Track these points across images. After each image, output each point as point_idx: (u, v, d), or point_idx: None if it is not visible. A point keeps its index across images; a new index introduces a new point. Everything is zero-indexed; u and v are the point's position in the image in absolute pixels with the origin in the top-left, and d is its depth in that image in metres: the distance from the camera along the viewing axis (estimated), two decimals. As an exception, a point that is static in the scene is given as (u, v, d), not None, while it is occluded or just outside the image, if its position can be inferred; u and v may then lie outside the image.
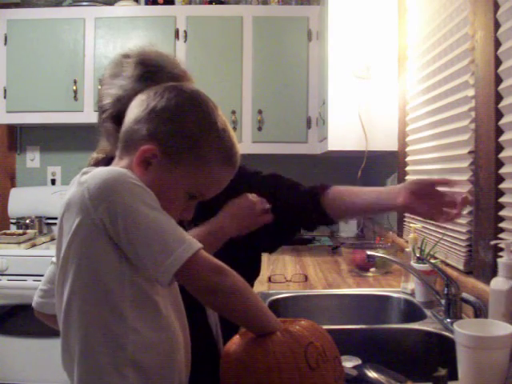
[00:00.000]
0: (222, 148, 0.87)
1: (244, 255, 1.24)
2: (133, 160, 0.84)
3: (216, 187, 0.90)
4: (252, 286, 1.33)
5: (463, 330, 0.94)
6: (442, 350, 1.33)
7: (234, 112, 3.03)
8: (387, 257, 1.68)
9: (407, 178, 2.21)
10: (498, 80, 1.28)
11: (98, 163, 1.09)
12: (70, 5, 3.21)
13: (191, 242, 0.76)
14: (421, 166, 2.02)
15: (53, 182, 3.47)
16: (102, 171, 0.80)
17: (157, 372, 0.80)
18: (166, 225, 0.77)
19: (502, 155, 1.28)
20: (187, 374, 0.89)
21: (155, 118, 0.85)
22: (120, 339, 0.77)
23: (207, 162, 0.86)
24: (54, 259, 0.90)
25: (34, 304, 0.97)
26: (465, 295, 1.35)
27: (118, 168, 0.83)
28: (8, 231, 3.06)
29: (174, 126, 0.85)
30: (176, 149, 0.84)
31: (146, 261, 0.75)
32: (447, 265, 1.61)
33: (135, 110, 0.87)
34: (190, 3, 3.22)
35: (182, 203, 0.87)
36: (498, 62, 1.28)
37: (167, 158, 0.84)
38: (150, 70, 1.06)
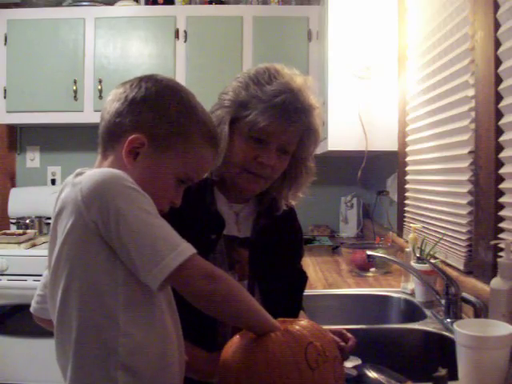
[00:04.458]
0: (205, 129, 0.88)
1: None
2: (119, 155, 0.84)
3: (203, 169, 0.91)
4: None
5: (463, 330, 0.94)
6: (442, 350, 1.33)
7: (234, 112, 3.03)
8: (387, 257, 1.68)
9: (407, 177, 2.21)
10: (498, 80, 1.28)
11: None
12: (69, 5, 3.21)
13: (184, 248, 0.75)
14: (421, 166, 2.02)
15: (53, 181, 3.47)
16: (96, 173, 0.78)
17: (148, 375, 0.79)
18: (159, 230, 0.76)
19: (501, 155, 1.28)
20: (181, 375, 0.88)
21: (137, 108, 0.84)
22: (111, 342, 0.76)
23: (194, 144, 0.86)
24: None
25: (31, 309, 0.96)
26: (465, 295, 1.35)
27: (112, 170, 0.81)
28: (8, 231, 3.05)
29: (157, 113, 0.85)
30: (163, 135, 0.84)
31: (137, 265, 0.74)
32: (447, 265, 1.60)
33: (114, 104, 0.86)
34: (190, 3, 3.21)
35: (172, 190, 0.87)
36: (498, 62, 1.28)
37: (155, 145, 0.84)
38: (286, 109, 1.05)
